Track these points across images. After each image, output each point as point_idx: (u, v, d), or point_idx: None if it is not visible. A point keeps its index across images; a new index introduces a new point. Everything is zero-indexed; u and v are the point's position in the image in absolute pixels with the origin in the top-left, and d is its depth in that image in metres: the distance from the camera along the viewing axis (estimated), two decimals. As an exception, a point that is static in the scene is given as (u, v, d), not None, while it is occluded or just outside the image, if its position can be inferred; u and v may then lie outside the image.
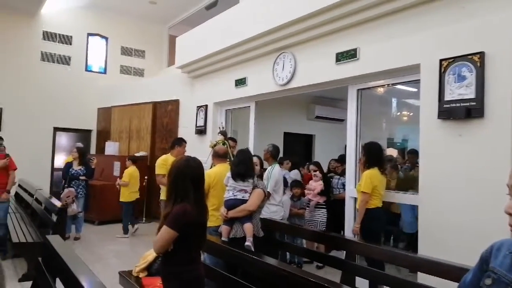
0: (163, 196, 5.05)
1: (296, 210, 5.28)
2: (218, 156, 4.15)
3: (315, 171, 5.65)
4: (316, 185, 5.49)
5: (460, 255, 2.94)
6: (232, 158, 5.12)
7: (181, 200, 2.16)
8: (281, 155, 5.77)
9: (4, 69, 9.35)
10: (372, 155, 4.10)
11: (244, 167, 3.42)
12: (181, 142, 5.52)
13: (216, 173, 3.85)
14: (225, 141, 5.35)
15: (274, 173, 4.61)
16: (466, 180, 3.34)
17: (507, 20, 3.19)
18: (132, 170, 7.04)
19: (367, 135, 4.84)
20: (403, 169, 5.88)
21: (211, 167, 4.35)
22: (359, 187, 4.04)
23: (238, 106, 6.98)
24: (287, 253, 5.17)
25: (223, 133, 5.62)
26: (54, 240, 2.90)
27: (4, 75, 9.35)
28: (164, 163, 5.22)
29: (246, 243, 3.23)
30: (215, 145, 5.19)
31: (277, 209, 4.63)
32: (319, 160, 6.38)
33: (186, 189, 2.18)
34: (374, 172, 4.01)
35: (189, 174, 2.21)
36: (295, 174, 6.22)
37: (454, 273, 2.43)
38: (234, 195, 3.41)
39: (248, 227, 3.31)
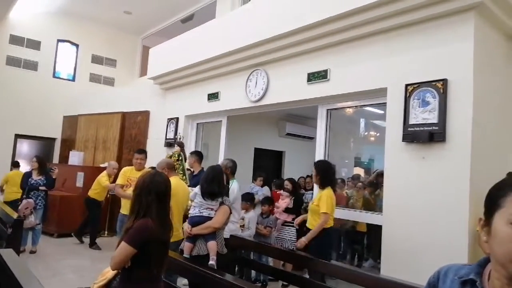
0: (123, 210, 4.74)
1: (261, 228, 5.20)
2: (172, 168, 4.04)
3: (286, 185, 5.61)
4: (282, 202, 5.47)
5: (423, 275, 3.00)
6: (185, 172, 4.97)
7: (144, 215, 2.10)
8: (239, 169, 5.61)
9: (-36, 71, 8.94)
10: (325, 174, 4.00)
11: (216, 186, 3.33)
12: (135, 153, 5.27)
13: (172, 187, 3.74)
14: (181, 152, 5.20)
15: (233, 189, 4.42)
16: (429, 201, 3.44)
17: (467, 49, 3.37)
18: (12, 173, 7.26)
19: (335, 153, 4.93)
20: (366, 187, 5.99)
21: None
22: (317, 207, 3.90)
23: (209, 120, 6.95)
24: (252, 271, 5.11)
25: (180, 144, 5.44)
26: (6, 254, 2.73)
27: (-35, 78, 8.94)
28: (122, 173, 5.10)
29: (210, 262, 3.15)
30: (171, 157, 5.04)
31: (236, 228, 4.53)
32: (288, 177, 6.41)
33: (149, 204, 2.12)
34: (331, 192, 3.91)
35: (153, 189, 2.16)
36: (266, 191, 6.21)
37: (415, 294, 2.47)
38: (200, 212, 3.33)
39: (212, 245, 3.24)
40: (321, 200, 3.87)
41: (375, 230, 4.90)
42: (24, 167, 9.00)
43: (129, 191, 4.44)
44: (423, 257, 3.38)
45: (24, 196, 6.03)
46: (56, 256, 6.04)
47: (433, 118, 3.46)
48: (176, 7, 9.44)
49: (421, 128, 3.50)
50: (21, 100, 9.60)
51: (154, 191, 2.15)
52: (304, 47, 4.76)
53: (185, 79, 7.00)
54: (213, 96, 6.42)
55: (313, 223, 3.97)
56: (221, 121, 6.57)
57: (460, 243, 3.20)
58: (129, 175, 5.01)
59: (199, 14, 9.18)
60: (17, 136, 9.72)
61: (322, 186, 3.97)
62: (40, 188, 6.13)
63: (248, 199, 5.30)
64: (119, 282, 2.22)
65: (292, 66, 5.03)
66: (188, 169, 5.48)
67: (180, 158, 5.01)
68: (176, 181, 3.90)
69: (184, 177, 4.80)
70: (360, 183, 5.85)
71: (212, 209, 3.34)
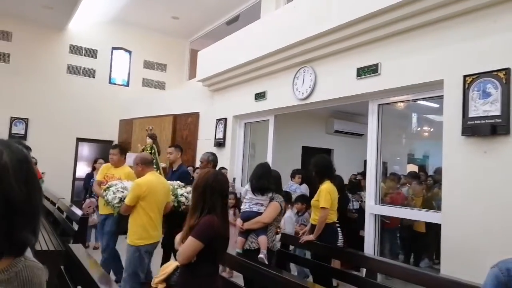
0: (101, 210, 4.52)
1: (295, 226, 5.10)
2: (147, 163, 3.79)
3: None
4: None
5: (483, 276, 2.84)
6: (158, 166, 4.67)
7: (208, 212, 2.19)
8: (286, 168, 5.38)
9: (31, 81, 9.72)
10: (320, 169, 4.00)
11: (266, 182, 3.45)
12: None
13: (148, 183, 3.55)
14: (153, 145, 4.99)
15: None
16: (491, 198, 3.26)
17: (533, 36, 3.14)
18: None
19: (387, 150, 4.78)
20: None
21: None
22: (316, 202, 3.88)
23: (257, 120, 7.02)
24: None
25: (152, 136, 5.20)
26: (77, 249, 2.95)
27: (32, 87, 9.72)
28: (100, 170, 4.94)
29: (260, 256, 3.22)
30: (143, 150, 4.82)
31: None
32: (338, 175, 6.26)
33: (213, 202, 2.21)
34: (330, 186, 3.87)
35: (217, 188, 2.25)
36: (305, 189, 6.09)
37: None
38: (250, 208, 3.44)
39: (262, 239, 3.31)
40: (320, 194, 3.84)
41: (432, 229, 4.69)
42: (84, 168, 9.64)
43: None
44: (485, 257, 3.19)
45: (87, 195, 6.43)
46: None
47: (495, 110, 3.26)
48: (221, 9, 9.62)
49: (482, 121, 3.32)
50: (81, 106, 10.26)
51: (217, 190, 2.24)
52: (352, 41, 4.68)
53: (233, 80, 7.13)
54: (260, 96, 6.48)
55: (315, 218, 3.96)
56: (268, 120, 6.62)
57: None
58: (107, 172, 4.79)
59: (244, 15, 9.29)
60: (78, 140, 10.41)
61: (320, 181, 3.95)
62: (101, 188, 6.51)
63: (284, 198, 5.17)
64: (181, 277, 2.32)
65: (340, 62, 4.95)
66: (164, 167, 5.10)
67: (153, 151, 4.80)
68: (155, 178, 3.73)
69: (158, 171, 4.49)
70: (415, 182, 5.61)
71: (262, 205, 3.43)
